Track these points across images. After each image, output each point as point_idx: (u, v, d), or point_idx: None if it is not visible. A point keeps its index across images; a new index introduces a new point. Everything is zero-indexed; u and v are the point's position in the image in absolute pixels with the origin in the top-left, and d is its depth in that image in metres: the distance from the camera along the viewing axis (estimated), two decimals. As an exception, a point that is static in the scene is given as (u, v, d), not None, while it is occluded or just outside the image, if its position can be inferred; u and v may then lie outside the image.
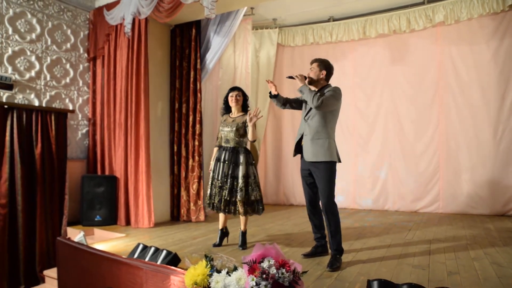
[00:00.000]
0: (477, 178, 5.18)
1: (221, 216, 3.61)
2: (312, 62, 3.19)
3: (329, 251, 3.13)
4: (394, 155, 5.73)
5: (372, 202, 5.86)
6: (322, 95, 2.98)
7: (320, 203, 3.08)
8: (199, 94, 4.98)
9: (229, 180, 3.40)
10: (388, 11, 5.73)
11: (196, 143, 4.95)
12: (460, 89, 5.30)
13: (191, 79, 5.00)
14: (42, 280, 4.00)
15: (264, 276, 1.91)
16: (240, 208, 3.40)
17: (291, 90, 6.53)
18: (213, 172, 3.51)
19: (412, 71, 5.63)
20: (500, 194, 5.03)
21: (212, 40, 5.12)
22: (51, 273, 3.78)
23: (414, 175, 5.57)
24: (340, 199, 5.89)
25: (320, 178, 3.01)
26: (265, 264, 1.93)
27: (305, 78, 3.14)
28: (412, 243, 3.58)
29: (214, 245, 3.58)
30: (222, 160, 3.48)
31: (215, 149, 3.64)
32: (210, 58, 5.11)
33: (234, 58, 5.99)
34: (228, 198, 3.38)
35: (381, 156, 5.82)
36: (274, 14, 6.22)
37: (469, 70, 5.25)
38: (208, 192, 3.52)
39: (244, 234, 3.54)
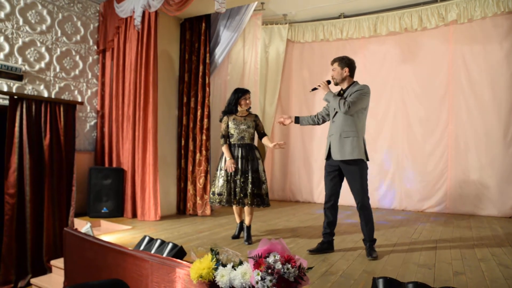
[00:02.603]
0: (485, 179, 5.12)
1: (237, 209, 3.70)
2: (332, 63, 3.21)
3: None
4: (402, 154, 5.69)
5: (379, 200, 5.83)
6: (347, 97, 3.03)
7: (354, 201, 3.11)
8: (207, 89, 4.98)
9: (250, 175, 3.48)
10: (399, 8, 5.66)
11: (204, 137, 4.95)
12: (471, 89, 5.23)
13: (200, 73, 5.00)
14: (49, 270, 4.04)
15: (269, 271, 1.90)
16: (261, 200, 3.51)
17: (299, 88, 6.51)
18: (227, 169, 3.53)
19: (422, 70, 5.57)
20: (509, 195, 4.97)
21: (221, 35, 5.11)
22: (58, 263, 3.82)
23: (422, 174, 5.52)
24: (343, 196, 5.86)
25: (351, 176, 3.04)
26: (270, 259, 1.93)
27: (329, 82, 3.16)
28: (418, 242, 3.56)
29: (233, 237, 3.71)
30: (240, 156, 3.53)
31: (226, 146, 3.61)
32: (219, 52, 5.10)
33: (243, 53, 5.97)
34: (255, 192, 3.46)
35: (389, 155, 5.78)
36: (285, 10, 6.18)
37: (481, 70, 5.17)
38: (222, 189, 3.52)
39: (249, 228, 3.57)
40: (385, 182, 5.78)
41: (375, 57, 5.94)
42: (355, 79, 3.21)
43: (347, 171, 3.06)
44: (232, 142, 3.61)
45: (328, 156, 3.17)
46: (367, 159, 3.11)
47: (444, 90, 5.42)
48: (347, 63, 3.12)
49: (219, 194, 3.54)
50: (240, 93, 3.63)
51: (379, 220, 4.75)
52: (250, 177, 3.47)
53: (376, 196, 5.85)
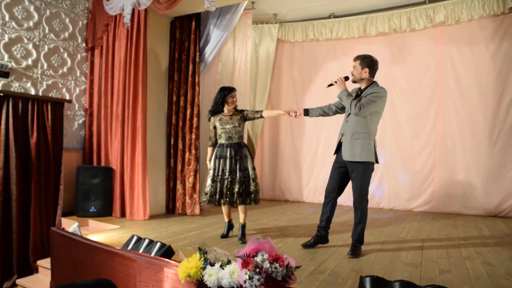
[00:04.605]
0: (472, 178, 5.21)
1: (226, 208, 3.68)
2: (354, 60, 3.16)
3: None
4: (391, 154, 5.75)
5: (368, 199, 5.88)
6: (361, 98, 3.03)
7: (344, 201, 3.16)
8: (197, 88, 4.96)
9: (238, 174, 3.48)
10: (389, 9, 5.71)
11: (193, 136, 4.94)
12: (458, 90, 5.32)
13: (190, 72, 4.98)
14: (35, 270, 3.98)
15: (257, 270, 1.91)
16: (250, 198, 3.50)
17: (289, 87, 6.53)
18: (217, 169, 3.54)
19: (411, 70, 5.63)
20: (494, 195, 5.06)
21: (211, 33, 5.10)
22: (44, 263, 3.77)
23: (410, 174, 5.59)
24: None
25: (355, 176, 3.07)
26: (258, 258, 1.94)
27: (346, 78, 3.14)
28: (405, 241, 3.61)
29: (222, 236, 3.69)
30: (228, 156, 3.53)
31: (210, 148, 3.70)
32: (209, 51, 5.09)
33: (233, 52, 5.96)
34: (241, 191, 3.46)
35: (378, 154, 5.82)
36: (275, 9, 6.18)
37: (467, 71, 5.26)
38: (210, 189, 3.54)
39: (243, 227, 3.59)
40: (373, 182, 5.83)
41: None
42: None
43: (352, 169, 3.09)
44: (221, 142, 3.61)
45: (337, 150, 3.21)
46: (377, 162, 3.13)
47: (432, 91, 5.50)
48: (369, 64, 3.07)
49: (208, 194, 3.55)
50: (226, 91, 3.61)
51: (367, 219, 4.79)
52: (237, 176, 3.47)
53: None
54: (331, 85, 3.22)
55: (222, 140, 3.60)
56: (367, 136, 3.04)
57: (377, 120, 3.12)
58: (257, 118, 3.64)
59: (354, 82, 3.19)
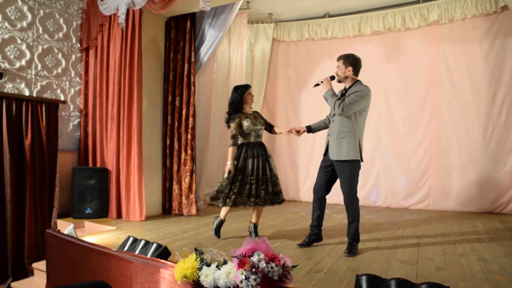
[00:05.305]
0: (466, 176, 5.24)
1: (227, 209, 3.57)
2: (337, 60, 3.21)
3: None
4: (386, 152, 5.77)
5: (364, 198, 5.90)
6: (346, 97, 3.06)
7: (340, 200, 3.22)
8: (192, 88, 4.95)
9: (269, 173, 3.46)
10: (383, 8, 5.73)
11: (189, 136, 4.93)
12: (452, 88, 5.35)
13: (185, 72, 4.97)
14: (31, 272, 3.95)
15: (253, 270, 1.91)
16: (280, 197, 3.50)
17: (285, 87, 6.54)
18: (249, 169, 3.37)
19: (405, 69, 5.66)
20: (489, 192, 5.10)
21: (207, 33, 5.09)
22: (40, 266, 3.74)
23: (406, 172, 5.61)
24: (332, 195, 5.91)
25: (342, 175, 3.11)
26: (254, 258, 1.94)
27: (333, 78, 3.18)
28: (401, 239, 3.63)
29: (216, 232, 3.65)
30: (260, 154, 3.46)
31: (233, 148, 3.42)
32: (205, 51, 5.08)
33: (228, 52, 5.95)
34: (271, 190, 3.43)
35: (374, 153, 5.85)
36: (270, 9, 6.18)
37: (461, 69, 5.29)
38: (232, 190, 3.35)
39: (256, 227, 3.59)
40: (370, 180, 5.85)
41: (359, 56, 5.99)
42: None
43: (339, 169, 3.13)
44: (249, 141, 3.46)
45: (326, 152, 3.24)
46: (362, 160, 3.16)
47: (427, 89, 5.53)
48: (352, 63, 3.13)
49: (234, 196, 3.34)
50: (244, 89, 3.51)
51: (363, 218, 4.81)
52: (268, 176, 3.45)
53: (361, 194, 5.91)
54: (317, 85, 3.26)
55: (251, 139, 3.47)
56: (353, 135, 3.07)
57: (363, 118, 3.15)
58: (266, 129, 3.64)
59: (339, 82, 3.24)
